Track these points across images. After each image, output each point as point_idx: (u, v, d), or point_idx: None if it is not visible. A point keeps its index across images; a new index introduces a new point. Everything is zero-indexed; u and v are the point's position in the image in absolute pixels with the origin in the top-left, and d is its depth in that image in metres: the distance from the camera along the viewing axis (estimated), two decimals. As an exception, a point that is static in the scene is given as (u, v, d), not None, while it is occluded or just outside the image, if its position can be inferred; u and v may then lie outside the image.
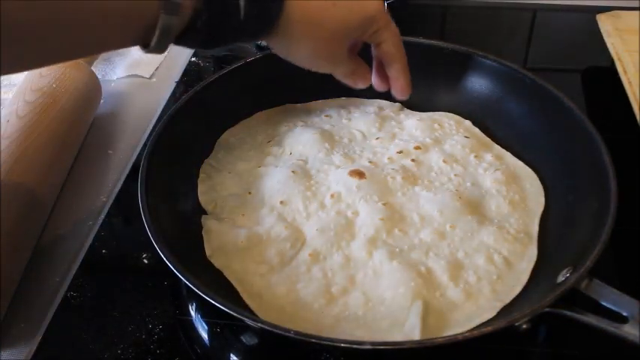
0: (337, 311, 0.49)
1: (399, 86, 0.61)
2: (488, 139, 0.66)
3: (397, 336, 0.47)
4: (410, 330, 0.47)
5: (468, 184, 0.60)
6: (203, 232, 0.56)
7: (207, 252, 0.54)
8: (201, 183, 0.61)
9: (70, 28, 0.42)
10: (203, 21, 0.47)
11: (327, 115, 0.69)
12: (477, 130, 0.67)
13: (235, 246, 0.54)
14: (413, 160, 0.61)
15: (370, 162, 0.62)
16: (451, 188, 0.59)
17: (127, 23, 0.45)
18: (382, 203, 0.57)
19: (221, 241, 0.55)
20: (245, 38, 0.52)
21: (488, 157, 0.63)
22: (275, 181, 0.59)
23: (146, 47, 0.47)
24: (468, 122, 0.67)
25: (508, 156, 0.64)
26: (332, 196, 0.57)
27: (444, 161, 0.61)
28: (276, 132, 0.67)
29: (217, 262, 0.54)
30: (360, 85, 0.62)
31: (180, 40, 0.48)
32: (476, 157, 0.63)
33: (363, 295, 0.50)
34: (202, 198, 0.60)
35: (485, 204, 0.58)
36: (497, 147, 0.65)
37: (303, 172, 0.60)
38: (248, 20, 0.49)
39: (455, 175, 0.61)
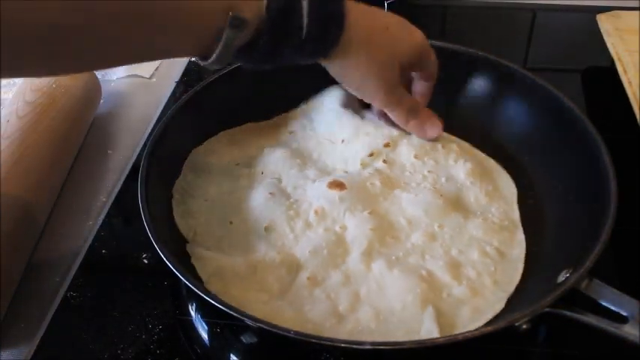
0: (350, 328, 0.48)
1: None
2: None
3: None
4: (428, 335, 0.47)
5: (443, 179, 0.60)
6: (193, 260, 0.53)
7: (203, 278, 0.51)
8: (175, 205, 0.58)
9: (133, 30, 0.42)
10: (265, 40, 0.47)
11: (291, 132, 0.66)
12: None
13: (234, 273, 0.51)
14: (385, 162, 0.60)
15: (345, 171, 0.60)
16: (428, 187, 0.58)
17: (191, 33, 0.45)
18: (368, 212, 0.55)
19: (217, 266, 0.52)
20: (302, 59, 0.52)
21: (453, 144, 0.63)
22: (254, 206, 0.57)
23: (204, 60, 0.47)
24: None
25: (466, 146, 0.65)
26: (316, 212, 0.55)
27: (416, 157, 0.61)
28: (243, 153, 0.64)
29: (214, 288, 0.50)
30: (431, 133, 0.62)
31: (239, 55, 0.48)
32: (443, 147, 0.62)
33: (372, 308, 0.49)
34: (180, 223, 0.57)
35: (464, 197, 0.59)
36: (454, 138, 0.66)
37: (280, 192, 0.57)
38: (308, 41, 0.49)
39: (428, 171, 0.60)
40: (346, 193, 0.56)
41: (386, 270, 0.51)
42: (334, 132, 0.64)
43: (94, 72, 0.76)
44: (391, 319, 0.49)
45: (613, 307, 0.44)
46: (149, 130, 0.73)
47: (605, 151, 0.54)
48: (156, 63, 0.84)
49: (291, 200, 0.57)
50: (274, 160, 0.61)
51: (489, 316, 0.49)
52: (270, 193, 0.57)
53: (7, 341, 0.52)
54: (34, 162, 0.60)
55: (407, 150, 0.61)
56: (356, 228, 0.54)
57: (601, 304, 0.45)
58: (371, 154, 0.61)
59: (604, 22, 0.78)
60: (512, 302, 0.50)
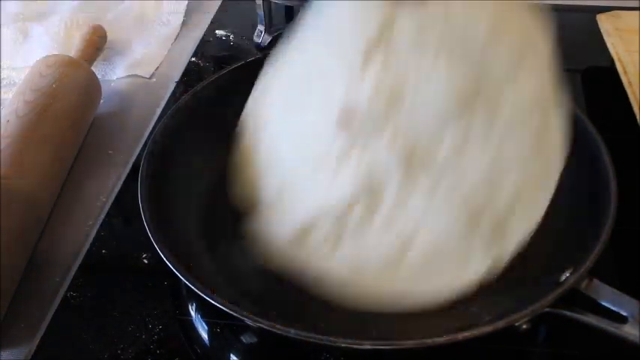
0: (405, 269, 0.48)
1: None
2: None
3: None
4: (479, 265, 0.48)
5: (457, 46, 0.48)
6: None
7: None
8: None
9: None
10: None
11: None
12: None
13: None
14: (384, 59, 0.48)
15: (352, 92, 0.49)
16: (442, 68, 0.47)
17: None
18: (387, 137, 0.48)
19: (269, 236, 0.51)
20: None
21: None
22: None
23: None
24: None
25: None
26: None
27: (419, 25, 0.48)
28: None
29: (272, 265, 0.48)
30: None
31: None
32: None
33: (420, 243, 0.48)
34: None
35: (487, 66, 0.49)
36: None
37: None
38: None
39: (439, 39, 0.48)
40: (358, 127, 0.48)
41: (424, 202, 0.48)
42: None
43: (94, 72, 0.76)
44: (442, 249, 0.48)
45: (613, 307, 0.44)
46: (149, 130, 0.73)
47: (605, 151, 0.54)
48: (156, 63, 0.84)
49: None
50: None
51: (538, 217, 0.49)
52: None
53: (7, 341, 0.52)
54: (34, 162, 0.60)
55: (408, 24, 0.48)
56: (380, 162, 0.48)
57: (601, 304, 0.45)
58: (368, 55, 0.48)
59: (604, 22, 0.78)
60: (512, 301, 0.50)
